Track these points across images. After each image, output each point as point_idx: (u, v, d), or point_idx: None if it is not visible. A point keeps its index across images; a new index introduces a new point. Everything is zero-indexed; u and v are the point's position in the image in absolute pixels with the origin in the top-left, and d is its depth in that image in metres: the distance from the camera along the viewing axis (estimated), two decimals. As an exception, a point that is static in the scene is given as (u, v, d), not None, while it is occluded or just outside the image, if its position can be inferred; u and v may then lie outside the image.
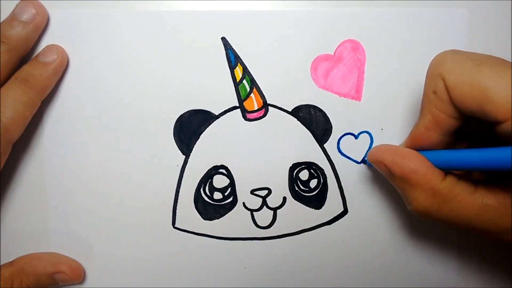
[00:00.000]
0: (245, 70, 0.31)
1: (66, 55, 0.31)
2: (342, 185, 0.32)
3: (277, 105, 0.32)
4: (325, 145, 0.32)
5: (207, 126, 0.32)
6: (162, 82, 0.31)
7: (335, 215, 0.32)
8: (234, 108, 0.32)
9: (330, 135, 0.32)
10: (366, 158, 0.31)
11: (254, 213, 0.32)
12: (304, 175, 0.32)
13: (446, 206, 0.25)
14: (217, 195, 0.32)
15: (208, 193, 0.32)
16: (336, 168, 0.32)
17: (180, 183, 0.32)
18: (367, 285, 0.33)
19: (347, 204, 0.32)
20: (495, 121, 0.22)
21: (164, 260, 0.32)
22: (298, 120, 0.32)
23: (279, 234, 0.32)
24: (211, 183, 0.32)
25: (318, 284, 0.33)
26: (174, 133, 0.32)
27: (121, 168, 0.32)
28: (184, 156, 0.32)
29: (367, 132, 0.32)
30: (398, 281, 0.33)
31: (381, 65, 0.31)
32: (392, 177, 0.27)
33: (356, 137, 0.32)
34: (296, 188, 0.32)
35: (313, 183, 0.32)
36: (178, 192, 0.32)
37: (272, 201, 0.32)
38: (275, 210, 0.32)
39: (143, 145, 0.32)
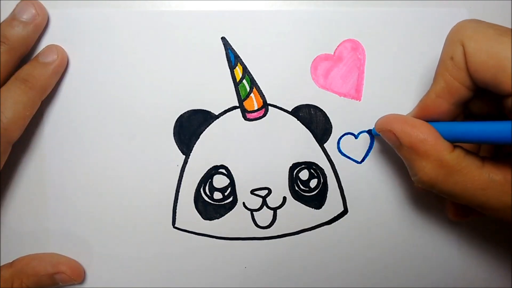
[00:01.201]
0: (245, 70, 0.31)
1: (66, 55, 0.31)
2: (342, 185, 0.32)
3: (277, 105, 0.32)
4: (325, 145, 0.32)
5: (207, 126, 0.32)
6: (162, 82, 0.31)
7: (335, 215, 0.32)
8: (234, 108, 0.32)
9: (330, 135, 0.32)
10: (374, 128, 0.30)
11: (254, 213, 0.32)
12: (304, 175, 0.32)
13: (452, 178, 0.25)
14: (217, 195, 0.32)
15: (208, 193, 0.32)
16: (336, 168, 0.32)
17: (180, 183, 0.32)
18: (367, 285, 0.33)
19: (347, 204, 0.32)
20: (506, 94, 0.22)
21: (164, 260, 0.32)
22: (298, 120, 0.32)
23: (279, 234, 0.32)
24: (211, 183, 0.32)
25: (318, 284, 0.33)
26: (174, 133, 0.32)
27: (121, 168, 0.32)
28: (184, 156, 0.32)
29: (367, 132, 0.32)
30: (398, 281, 0.33)
31: (381, 64, 0.31)
32: (400, 147, 0.26)
33: (356, 137, 0.32)
34: (296, 188, 0.32)
35: (313, 183, 0.32)
36: (178, 192, 0.32)
37: (272, 201, 0.32)
38: (275, 210, 0.32)
39: (143, 145, 0.32)
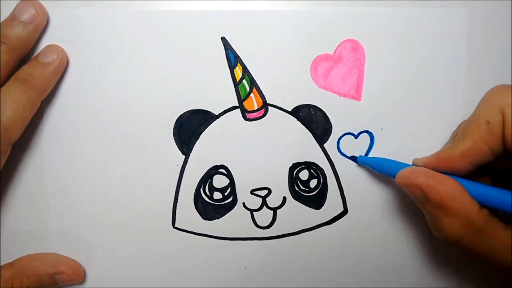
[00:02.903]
0: (245, 70, 0.31)
1: (66, 55, 0.31)
2: (342, 185, 0.32)
3: (277, 105, 0.32)
4: (325, 145, 0.32)
5: (207, 126, 0.32)
6: (162, 82, 0.31)
7: (335, 215, 0.32)
8: (234, 108, 0.32)
9: (330, 135, 0.32)
10: (396, 178, 0.28)
11: (254, 213, 0.32)
12: (304, 175, 0.32)
13: (478, 237, 0.24)
14: (217, 195, 0.32)
15: (208, 193, 0.32)
16: (336, 168, 0.32)
17: (180, 183, 0.32)
18: (367, 285, 0.33)
19: (347, 204, 0.32)
20: None
21: (164, 260, 0.32)
22: (298, 120, 0.32)
23: (279, 234, 0.32)
24: (211, 183, 0.32)
25: (318, 284, 0.33)
26: (174, 133, 0.32)
27: (121, 168, 0.32)
28: (184, 156, 0.32)
29: (367, 132, 0.32)
30: (398, 281, 0.33)
31: (381, 64, 0.31)
32: (426, 202, 0.26)
33: (356, 137, 0.32)
34: (296, 188, 0.32)
35: (313, 183, 0.32)
36: (178, 192, 0.32)
37: (272, 201, 0.32)
38: (275, 210, 0.32)
39: (143, 145, 0.32)
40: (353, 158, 0.32)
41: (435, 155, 0.27)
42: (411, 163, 0.29)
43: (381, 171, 0.30)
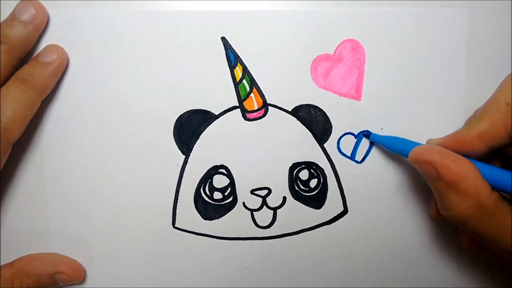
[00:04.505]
0: (245, 70, 0.31)
1: (66, 55, 0.31)
2: (342, 185, 0.32)
3: (277, 104, 0.32)
4: (325, 145, 0.32)
5: (207, 126, 0.32)
6: (162, 82, 0.31)
7: (335, 215, 0.32)
8: (234, 108, 0.32)
9: (330, 135, 0.32)
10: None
11: (254, 213, 0.32)
12: (304, 174, 0.32)
13: (486, 219, 0.24)
14: (217, 195, 0.32)
15: (208, 193, 0.32)
16: (336, 168, 0.32)
17: (180, 183, 0.32)
18: (367, 285, 0.33)
19: (347, 204, 0.32)
20: None
21: (164, 260, 0.32)
22: (298, 119, 0.32)
23: (279, 234, 0.32)
24: (211, 183, 0.32)
25: (318, 284, 0.33)
26: (174, 133, 0.32)
27: (121, 168, 0.32)
28: (184, 156, 0.32)
29: (367, 131, 0.32)
30: (398, 281, 0.33)
31: (381, 64, 0.31)
32: (437, 180, 0.25)
33: (356, 137, 0.32)
34: (296, 188, 0.32)
35: (313, 182, 0.32)
36: (178, 192, 0.32)
37: (272, 201, 0.32)
38: (275, 210, 0.32)
39: (143, 145, 0.32)
40: (366, 135, 0.32)
41: (450, 136, 0.27)
42: (423, 143, 0.29)
43: (394, 149, 0.30)
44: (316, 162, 0.32)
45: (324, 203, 0.32)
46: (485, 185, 0.24)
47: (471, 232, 0.25)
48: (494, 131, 0.25)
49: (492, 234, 0.24)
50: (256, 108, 0.32)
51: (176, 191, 0.32)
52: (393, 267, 0.33)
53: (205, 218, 0.32)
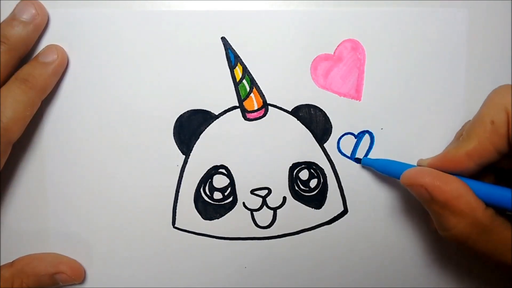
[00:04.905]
0: (245, 70, 0.31)
1: (66, 55, 0.31)
2: (342, 185, 0.32)
3: (277, 104, 0.32)
4: (325, 144, 0.32)
5: (207, 126, 0.32)
6: (162, 82, 0.31)
7: (335, 215, 0.32)
8: (234, 108, 0.32)
9: (330, 135, 0.32)
10: (400, 179, 0.28)
11: (254, 213, 0.32)
12: (304, 174, 0.32)
13: (484, 237, 0.24)
14: (217, 195, 0.32)
15: (208, 193, 0.32)
16: (336, 168, 0.32)
17: (180, 183, 0.32)
18: (367, 285, 0.33)
19: (347, 204, 0.32)
20: None
21: (164, 260, 0.32)
22: (298, 119, 0.32)
23: (279, 234, 0.32)
24: (211, 183, 0.32)
25: (318, 284, 0.33)
26: (174, 133, 0.32)
27: (121, 168, 0.32)
28: (184, 156, 0.32)
29: (367, 132, 0.32)
30: (398, 281, 0.33)
31: (381, 64, 0.31)
32: (431, 202, 0.25)
33: (356, 137, 0.32)
34: (296, 188, 0.32)
35: (313, 182, 0.32)
36: (178, 192, 0.32)
37: (272, 201, 0.32)
38: (275, 210, 0.32)
39: (143, 145, 0.32)
40: (357, 160, 0.32)
41: (440, 156, 0.27)
42: (414, 164, 0.29)
43: (385, 172, 0.30)
44: (316, 162, 0.32)
45: (324, 203, 0.32)
46: (479, 203, 0.25)
47: (471, 250, 0.25)
48: (482, 149, 0.25)
49: (491, 250, 0.25)
50: (256, 108, 0.32)
51: (176, 191, 0.32)
52: (393, 267, 0.33)
53: (205, 218, 0.32)
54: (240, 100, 0.32)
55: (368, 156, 0.32)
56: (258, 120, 0.32)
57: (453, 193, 0.25)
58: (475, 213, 0.24)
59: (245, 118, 0.32)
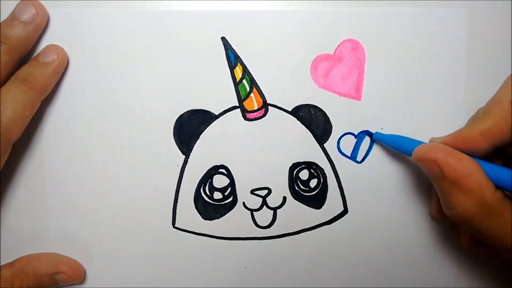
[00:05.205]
0: (245, 70, 0.31)
1: (66, 55, 0.31)
2: (342, 185, 0.32)
3: (277, 104, 0.32)
4: (325, 144, 0.32)
5: (207, 126, 0.32)
6: (162, 82, 0.31)
7: (335, 215, 0.32)
8: (234, 108, 0.32)
9: (330, 135, 0.32)
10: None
11: (254, 213, 0.32)
12: (304, 174, 0.32)
13: (489, 218, 0.24)
14: (217, 195, 0.32)
15: (208, 193, 0.32)
16: (336, 168, 0.32)
17: (180, 183, 0.32)
18: (367, 285, 0.33)
19: (347, 204, 0.32)
20: None
21: (164, 260, 0.32)
22: (298, 119, 0.32)
23: (279, 234, 0.32)
24: (211, 183, 0.32)
25: (318, 284, 0.33)
26: (174, 133, 0.32)
27: (121, 168, 0.32)
28: (184, 156, 0.32)
29: (367, 131, 0.32)
30: (398, 281, 0.33)
31: (381, 64, 0.31)
32: (441, 178, 0.25)
33: (356, 137, 0.32)
34: (296, 188, 0.32)
35: (313, 182, 0.32)
36: (178, 192, 0.32)
37: (272, 200, 0.32)
38: (275, 210, 0.32)
39: (143, 145, 0.32)
40: (369, 134, 0.32)
41: (453, 134, 0.27)
42: (426, 141, 0.29)
43: (397, 148, 0.30)
44: (316, 162, 0.32)
45: (324, 203, 0.32)
46: (489, 184, 0.24)
47: (474, 230, 0.25)
48: (497, 129, 0.25)
49: (495, 232, 0.24)
50: (256, 108, 0.32)
51: (176, 191, 0.32)
52: (393, 267, 0.33)
53: (205, 218, 0.32)
54: (240, 100, 0.32)
55: (368, 157, 0.32)
56: (258, 120, 0.32)
57: (464, 172, 0.24)
58: (483, 194, 0.24)
59: (245, 118, 0.32)
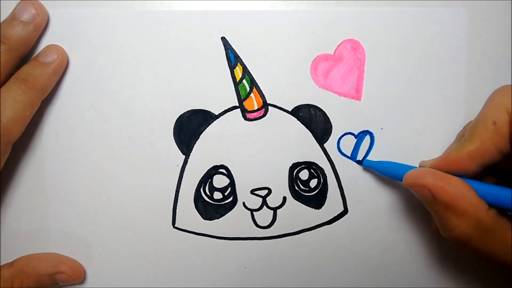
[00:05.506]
0: (245, 70, 0.31)
1: (66, 55, 0.31)
2: (342, 185, 0.32)
3: (277, 104, 0.32)
4: (325, 144, 0.32)
5: (207, 126, 0.32)
6: (162, 82, 0.31)
7: (335, 215, 0.32)
8: (234, 108, 0.32)
9: (330, 135, 0.32)
10: (403, 181, 0.28)
11: (254, 213, 0.32)
12: (304, 174, 0.32)
13: (486, 237, 0.24)
14: (217, 195, 0.32)
15: (208, 193, 0.32)
16: (336, 168, 0.32)
17: (180, 183, 0.32)
18: (367, 285, 0.33)
19: (347, 204, 0.32)
20: None
21: (164, 260, 0.32)
22: (298, 119, 0.32)
23: (279, 234, 0.32)
24: (211, 183, 0.32)
25: (318, 284, 0.33)
26: (174, 133, 0.32)
27: (121, 168, 0.32)
28: (184, 156, 0.32)
29: (367, 132, 0.32)
30: (398, 281, 0.33)
31: (381, 64, 0.31)
32: (434, 202, 0.25)
33: (356, 137, 0.32)
34: (296, 188, 0.32)
35: (313, 182, 0.32)
36: (178, 192, 0.32)
37: (272, 201, 0.32)
38: (275, 210, 0.32)
39: (143, 145, 0.32)
40: (358, 162, 0.32)
41: (441, 157, 0.27)
42: (415, 165, 0.29)
43: (387, 174, 0.30)
44: (316, 162, 0.32)
45: (324, 203, 0.32)
46: (481, 203, 0.25)
47: (474, 251, 0.25)
48: (484, 150, 0.25)
49: (495, 251, 0.24)
50: (256, 108, 0.32)
51: (176, 191, 0.32)
52: (393, 267, 0.33)
53: (205, 218, 0.32)
54: (240, 100, 0.32)
55: (368, 157, 0.32)
56: (258, 120, 0.32)
57: (456, 194, 0.25)
58: (478, 214, 0.24)
59: (245, 118, 0.32)
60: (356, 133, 0.32)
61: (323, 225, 0.32)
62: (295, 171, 0.32)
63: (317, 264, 0.33)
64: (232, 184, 0.32)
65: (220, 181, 0.32)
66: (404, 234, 0.33)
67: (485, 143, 0.25)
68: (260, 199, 0.32)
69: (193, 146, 0.32)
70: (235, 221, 0.32)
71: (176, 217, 0.32)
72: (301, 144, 0.32)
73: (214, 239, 0.32)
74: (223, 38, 0.31)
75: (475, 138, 0.25)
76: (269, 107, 0.32)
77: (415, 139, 0.32)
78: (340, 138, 0.32)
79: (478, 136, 0.25)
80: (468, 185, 0.25)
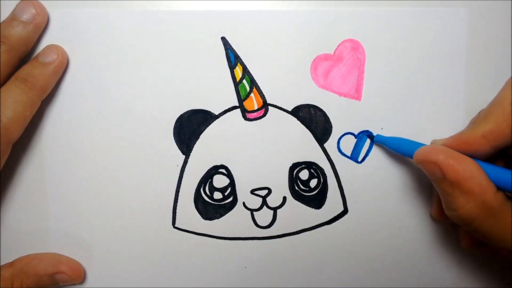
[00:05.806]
0: (245, 70, 0.31)
1: (66, 55, 0.31)
2: (342, 185, 0.32)
3: (277, 104, 0.32)
4: (325, 144, 0.32)
5: (207, 126, 0.32)
6: (162, 82, 0.31)
7: (335, 215, 0.32)
8: (234, 108, 0.32)
9: (330, 135, 0.32)
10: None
11: (254, 213, 0.32)
12: (304, 174, 0.32)
13: (491, 220, 0.24)
14: (217, 195, 0.32)
15: (208, 193, 0.32)
16: (336, 167, 0.32)
17: (180, 183, 0.32)
18: (367, 285, 0.33)
19: (347, 204, 0.32)
20: None
21: (164, 259, 0.32)
22: (298, 119, 0.32)
23: (279, 234, 0.32)
24: (211, 183, 0.32)
25: (318, 284, 0.33)
26: (174, 133, 0.32)
27: (121, 168, 0.32)
28: (184, 156, 0.32)
29: (367, 131, 0.32)
30: (398, 281, 0.33)
31: (381, 64, 0.31)
32: (442, 180, 0.25)
33: (356, 137, 0.32)
34: (296, 188, 0.32)
35: (313, 182, 0.32)
36: (178, 192, 0.32)
37: (272, 200, 0.32)
38: (275, 210, 0.32)
39: (143, 145, 0.32)
40: (370, 137, 0.32)
41: (455, 136, 0.27)
42: (425, 143, 0.29)
43: (398, 150, 0.30)
44: (316, 162, 0.32)
45: (324, 203, 0.32)
46: (490, 185, 0.24)
47: (476, 232, 0.25)
48: (499, 131, 0.25)
49: (497, 234, 0.24)
50: (256, 108, 0.32)
51: (176, 191, 0.32)
52: (393, 267, 0.33)
53: (205, 218, 0.32)
54: (240, 100, 0.32)
55: (369, 156, 0.32)
56: (258, 120, 0.32)
57: (466, 173, 0.24)
58: (485, 195, 0.24)
59: (245, 118, 0.32)
60: (356, 133, 0.32)
61: (323, 225, 0.32)
62: (295, 171, 0.32)
63: (317, 264, 0.33)
64: (232, 184, 0.32)
65: (220, 181, 0.32)
66: (404, 234, 0.33)
67: (500, 125, 0.25)
68: (260, 199, 0.32)
69: (193, 146, 0.32)
70: (235, 221, 0.32)
71: (176, 217, 0.32)
72: (301, 144, 0.32)
73: (214, 239, 0.32)
74: (223, 38, 0.31)
75: (490, 119, 0.25)
76: (269, 107, 0.32)
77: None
78: (340, 138, 0.32)
79: (494, 117, 0.25)
80: (479, 165, 0.25)
